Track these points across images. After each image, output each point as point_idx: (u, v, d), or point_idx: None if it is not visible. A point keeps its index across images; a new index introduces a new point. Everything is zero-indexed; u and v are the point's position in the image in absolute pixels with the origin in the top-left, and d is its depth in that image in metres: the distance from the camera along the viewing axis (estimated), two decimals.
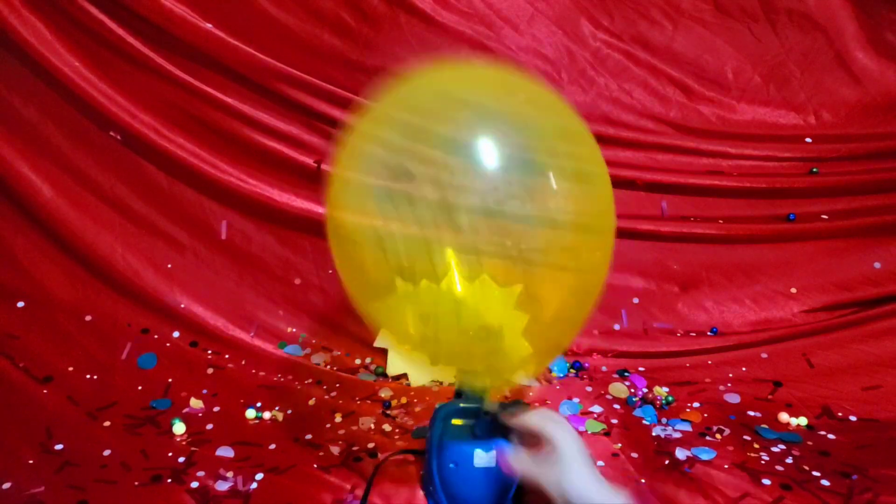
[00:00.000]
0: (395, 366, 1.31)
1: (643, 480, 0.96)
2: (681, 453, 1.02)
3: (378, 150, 0.77)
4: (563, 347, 1.22)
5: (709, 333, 1.39)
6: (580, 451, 0.71)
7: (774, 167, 1.44)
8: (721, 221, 1.44)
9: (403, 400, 1.21)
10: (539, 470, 0.73)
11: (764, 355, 1.32)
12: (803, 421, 1.14)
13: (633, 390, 1.24)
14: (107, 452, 1.01)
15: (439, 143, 0.73)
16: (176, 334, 1.36)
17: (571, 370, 1.33)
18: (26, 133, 1.36)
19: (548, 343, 0.88)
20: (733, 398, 1.22)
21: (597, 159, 0.82)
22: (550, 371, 1.33)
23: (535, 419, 0.78)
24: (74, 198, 1.38)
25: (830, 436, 1.09)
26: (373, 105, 0.81)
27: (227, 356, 1.34)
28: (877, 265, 1.38)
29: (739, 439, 1.07)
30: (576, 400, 1.20)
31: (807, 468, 0.99)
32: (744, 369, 1.31)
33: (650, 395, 1.22)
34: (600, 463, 1.00)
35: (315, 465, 0.99)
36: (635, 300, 1.43)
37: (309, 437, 1.08)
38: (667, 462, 1.00)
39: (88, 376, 1.23)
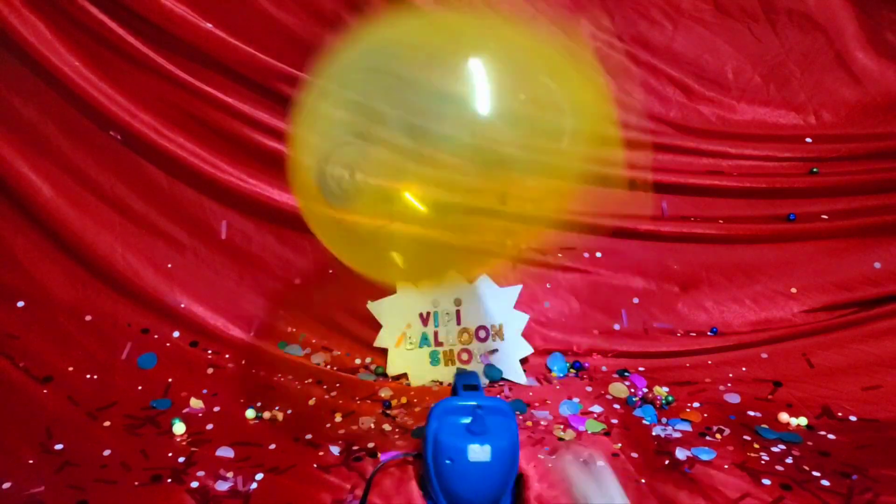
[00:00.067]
0: (395, 366, 1.31)
1: (643, 480, 0.96)
2: (681, 453, 1.02)
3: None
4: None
5: (709, 333, 1.39)
6: None
7: (774, 167, 1.44)
8: (721, 221, 1.44)
9: (403, 400, 1.21)
10: None
11: (764, 355, 1.32)
12: (803, 421, 1.14)
13: (633, 390, 1.24)
14: (107, 452, 1.01)
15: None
16: (176, 334, 1.36)
17: (571, 370, 1.33)
18: (26, 133, 1.36)
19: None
20: (733, 398, 1.22)
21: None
22: (550, 371, 1.33)
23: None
24: (74, 198, 1.38)
25: (830, 436, 1.09)
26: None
27: (227, 356, 1.34)
28: (877, 265, 1.38)
29: (739, 439, 1.07)
30: (576, 400, 1.20)
31: (807, 468, 0.99)
32: (744, 369, 1.31)
33: (650, 395, 1.22)
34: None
35: (315, 465, 0.99)
36: (635, 300, 1.43)
37: (309, 437, 1.08)
38: (667, 462, 1.01)
39: (88, 376, 1.23)
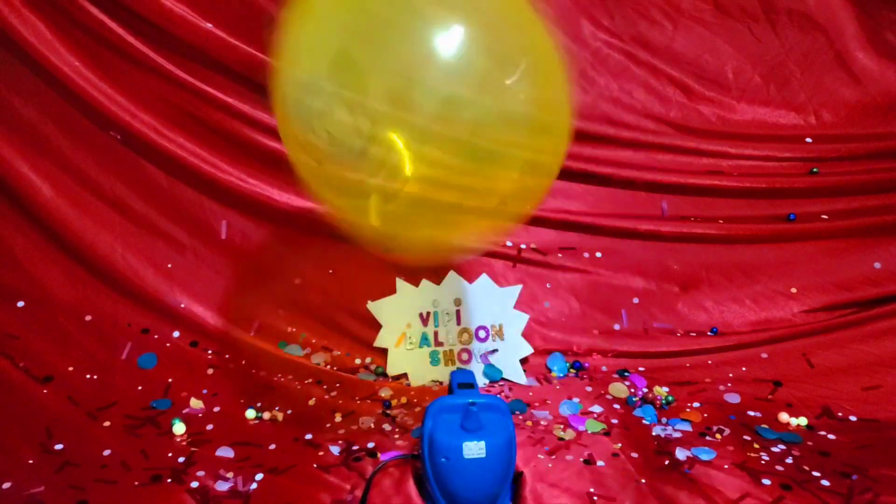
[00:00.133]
0: (395, 366, 1.31)
1: (643, 480, 0.96)
2: (681, 453, 1.02)
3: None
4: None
5: (709, 333, 1.39)
6: None
7: (774, 167, 1.44)
8: (721, 221, 1.44)
9: (403, 400, 1.21)
10: None
11: (764, 355, 1.32)
12: (803, 421, 1.14)
13: (633, 390, 1.24)
14: (107, 452, 1.01)
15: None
16: (176, 334, 1.36)
17: (571, 370, 1.33)
18: (26, 133, 1.36)
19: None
20: (733, 398, 1.22)
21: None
22: (550, 371, 1.33)
23: None
24: (74, 198, 1.38)
25: (830, 436, 1.09)
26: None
27: (227, 356, 1.34)
28: (877, 265, 1.38)
29: (739, 439, 1.07)
30: (576, 400, 1.20)
31: (807, 468, 0.99)
32: (744, 369, 1.31)
33: (650, 395, 1.22)
34: (600, 463, 1.00)
35: (315, 465, 0.99)
36: (635, 300, 1.43)
37: (309, 437, 1.08)
38: (667, 462, 1.01)
39: (88, 376, 1.23)
